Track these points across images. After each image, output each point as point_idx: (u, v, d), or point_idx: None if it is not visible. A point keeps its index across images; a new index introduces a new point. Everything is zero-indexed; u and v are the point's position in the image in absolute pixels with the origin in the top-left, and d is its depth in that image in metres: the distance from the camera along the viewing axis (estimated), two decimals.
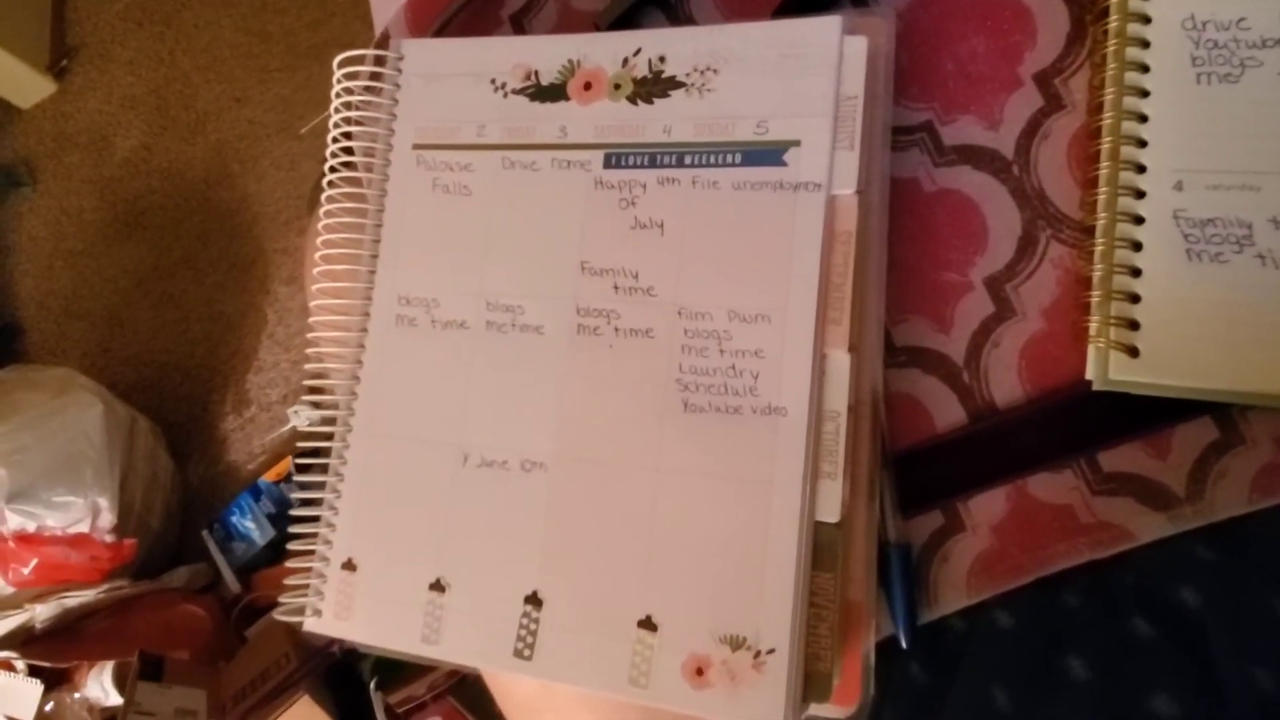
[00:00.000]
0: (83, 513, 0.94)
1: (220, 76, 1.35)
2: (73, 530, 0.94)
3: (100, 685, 0.95)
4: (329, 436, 0.33)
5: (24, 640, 0.96)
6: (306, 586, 0.32)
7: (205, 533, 1.14)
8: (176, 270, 1.29)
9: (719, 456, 0.28)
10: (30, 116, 1.44)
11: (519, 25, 0.37)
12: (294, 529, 0.32)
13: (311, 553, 0.32)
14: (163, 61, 1.39)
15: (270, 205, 1.26)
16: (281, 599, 0.32)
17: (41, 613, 0.96)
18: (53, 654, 0.94)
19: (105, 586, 0.99)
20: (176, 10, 1.39)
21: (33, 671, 0.92)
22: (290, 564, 0.32)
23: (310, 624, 0.31)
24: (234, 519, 1.14)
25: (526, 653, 0.28)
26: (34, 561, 0.93)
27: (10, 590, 0.97)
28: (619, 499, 0.28)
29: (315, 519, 0.32)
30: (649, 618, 0.27)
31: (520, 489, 0.29)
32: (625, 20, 0.34)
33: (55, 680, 0.94)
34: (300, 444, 0.34)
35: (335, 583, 0.31)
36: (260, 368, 1.22)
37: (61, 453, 0.93)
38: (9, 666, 0.93)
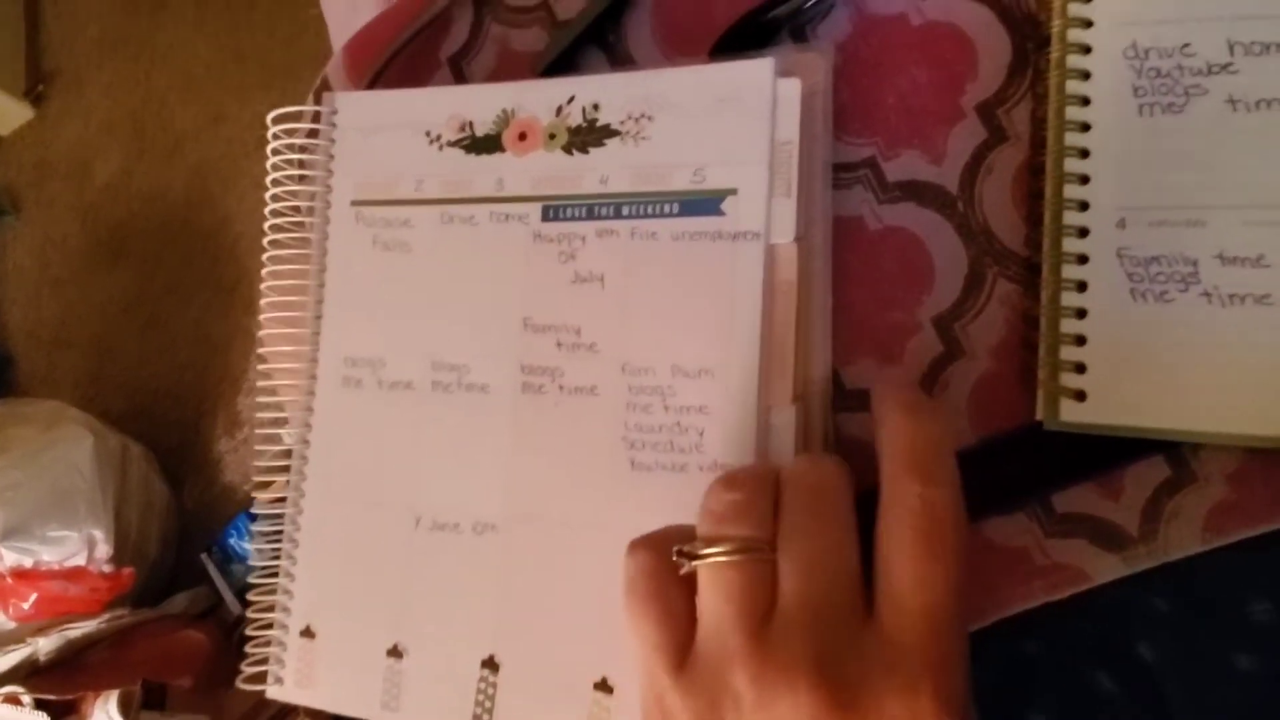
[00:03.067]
0: (78, 546, 0.94)
1: (196, 97, 1.34)
2: (69, 564, 0.94)
3: (106, 714, 0.96)
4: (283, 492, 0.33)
5: (28, 673, 0.97)
6: (266, 655, 0.32)
7: (204, 556, 1.15)
8: (162, 295, 1.29)
9: (666, 514, 0.27)
10: (9, 144, 1.44)
11: (457, 67, 0.36)
12: (251, 596, 0.32)
13: (269, 622, 0.32)
14: (139, 84, 1.38)
15: (252, 225, 1.26)
16: (243, 666, 0.32)
17: (44, 646, 0.97)
18: (57, 686, 0.94)
19: (106, 616, 1.00)
20: (150, 33, 1.39)
21: (38, 705, 0.93)
22: (250, 631, 0.32)
23: (273, 692, 0.31)
24: (232, 541, 1.15)
25: (485, 717, 0.28)
26: (33, 596, 0.93)
27: (12, 625, 0.97)
28: (570, 559, 0.28)
29: (272, 589, 0.32)
30: (604, 679, 0.27)
31: (473, 551, 0.29)
32: (565, 61, 0.34)
33: (61, 712, 0.95)
34: (256, 494, 0.34)
35: (295, 650, 0.31)
36: (250, 389, 1.23)
37: (54, 488, 0.94)
38: (15, 700, 0.93)
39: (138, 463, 1.09)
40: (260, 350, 0.34)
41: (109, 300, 1.32)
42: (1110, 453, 0.26)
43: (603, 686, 0.27)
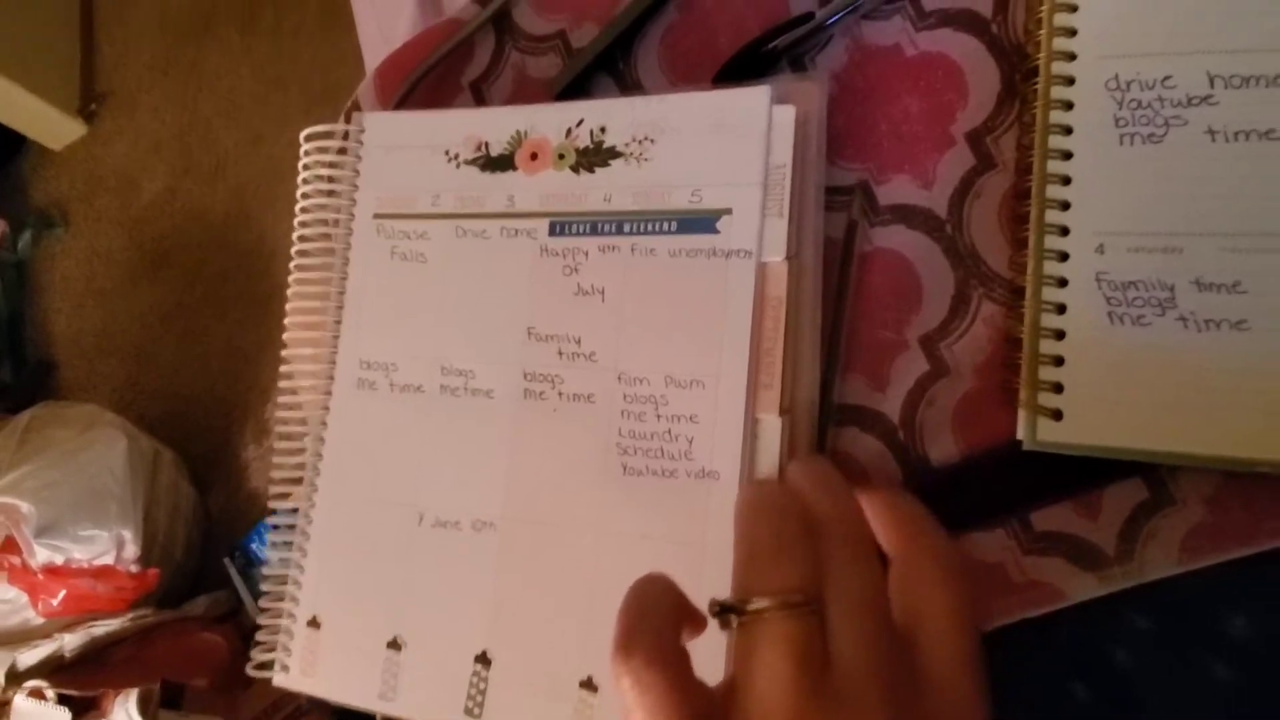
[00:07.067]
0: (108, 545, 0.97)
1: (239, 121, 1.40)
2: (98, 562, 0.97)
3: (125, 712, 0.98)
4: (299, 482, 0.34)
5: (54, 669, 1.00)
6: (275, 642, 0.33)
7: (226, 560, 1.17)
8: (199, 307, 1.34)
9: (656, 519, 0.28)
10: (62, 159, 1.51)
11: (478, 91, 0.38)
12: (265, 586, 0.34)
13: (280, 610, 0.33)
14: (186, 107, 1.45)
15: (286, 243, 1.29)
16: (252, 654, 0.33)
17: (70, 642, 0.99)
18: (80, 682, 0.97)
19: (130, 615, 1.03)
20: (199, 59, 1.45)
21: (61, 700, 0.96)
22: (261, 620, 0.33)
23: (278, 679, 0.33)
24: (254, 546, 1.17)
25: (476, 710, 0.29)
26: (62, 593, 0.96)
27: (40, 620, 1.00)
28: (562, 560, 0.29)
29: (284, 580, 0.34)
30: (590, 678, 0.28)
31: (471, 549, 0.31)
32: (577, 87, 0.36)
33: (83, 708, 0.97)
34: (272, 503, 0.36)
35: (301, 639, 0.33)
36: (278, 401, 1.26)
37: (87, 488, 0.97)
38: (39, 695, 0.96)
39: (168, 467, 1.12)
40: (283, 353, 0.36)
41: (149, 311, 1.37)
42: (1089, 473, 0.27)
43: (588, 685, 0.28)
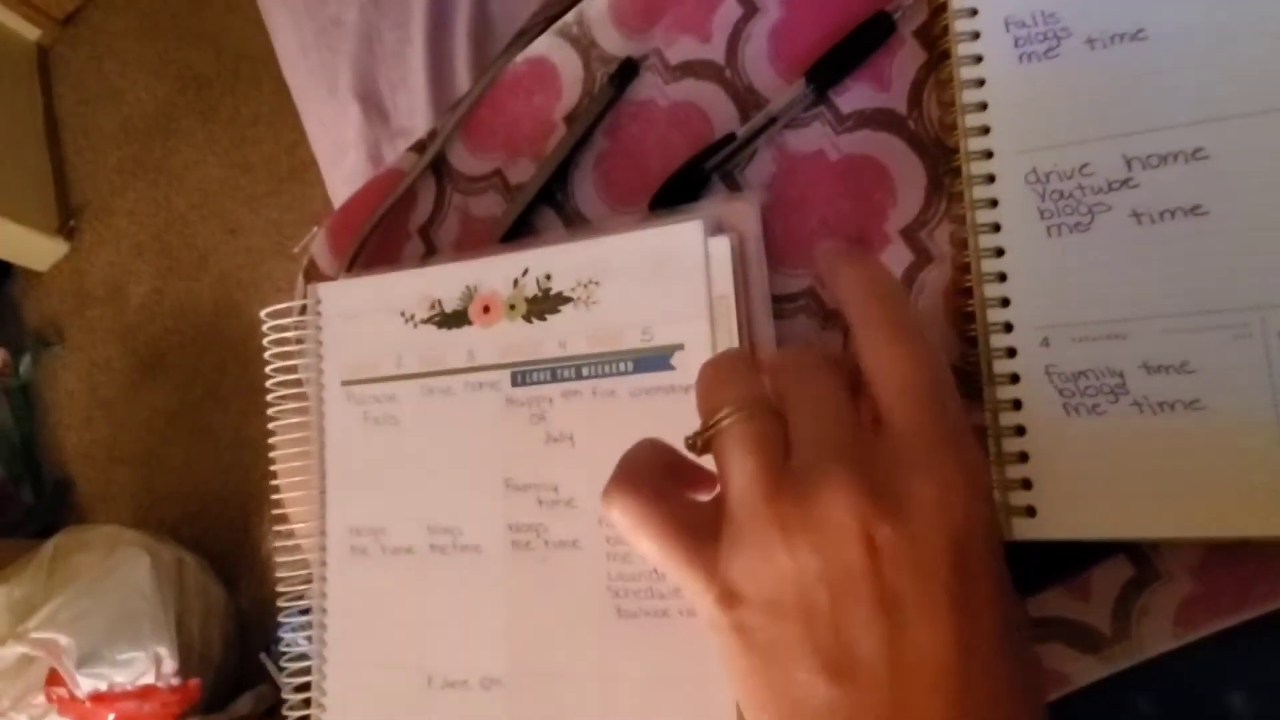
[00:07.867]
0: (146, 665, 0.99)
1: (214, 212, 1.41)
2: (140, 683, 0.99)
3: None
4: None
5: None
6: None
7: (263, 655, 1.18)
8: (202, 404, 1.35)
9: (654, 659, 0.29)
10: (50, 278, 1.52)
11: (426, 237, 0.39)
12: None
13: None
14: (160, 207, 1.46)
15: None
16: None
17: None
18: None
19: None
20: (165, 157, 1.47)
21: None
22: None
23: None
24: (287, 637, 1.19)
25: None
26: (111, 718, 0.98)
27: None
28: (570, 710, 0.30)
29: None
30: None
31: (482, 707, 0.31)
32: (521, 223, 0.36)
33: None
34: (286, 678, 0.36)
35: None
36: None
37: (118, 611, 0.99)
38: None
39: (193, 572, 1.14)
40: (275, 528, 0.37)
41: (154, 414, 1.39)
42: (1073, 556, 0.27)
43: None
